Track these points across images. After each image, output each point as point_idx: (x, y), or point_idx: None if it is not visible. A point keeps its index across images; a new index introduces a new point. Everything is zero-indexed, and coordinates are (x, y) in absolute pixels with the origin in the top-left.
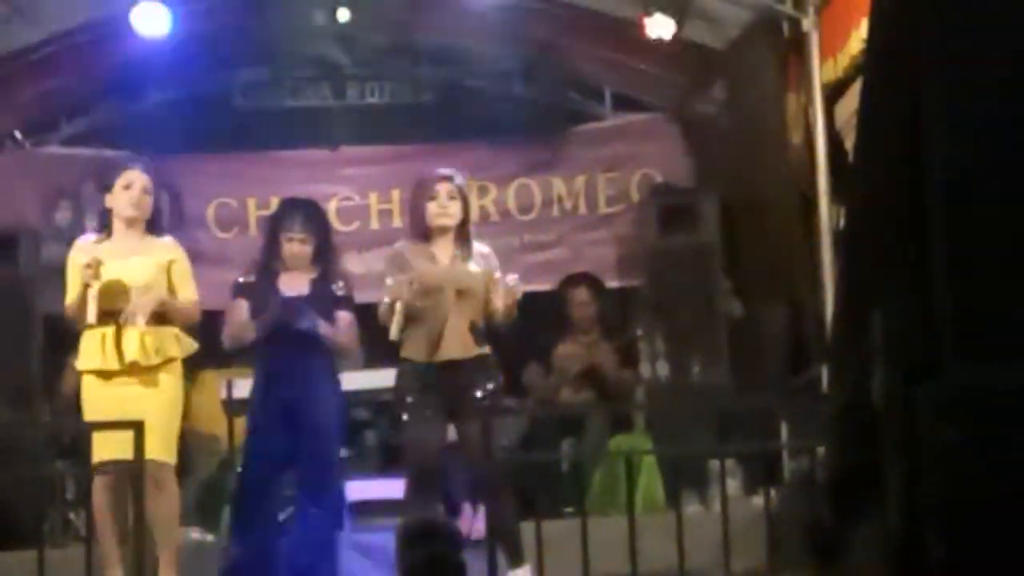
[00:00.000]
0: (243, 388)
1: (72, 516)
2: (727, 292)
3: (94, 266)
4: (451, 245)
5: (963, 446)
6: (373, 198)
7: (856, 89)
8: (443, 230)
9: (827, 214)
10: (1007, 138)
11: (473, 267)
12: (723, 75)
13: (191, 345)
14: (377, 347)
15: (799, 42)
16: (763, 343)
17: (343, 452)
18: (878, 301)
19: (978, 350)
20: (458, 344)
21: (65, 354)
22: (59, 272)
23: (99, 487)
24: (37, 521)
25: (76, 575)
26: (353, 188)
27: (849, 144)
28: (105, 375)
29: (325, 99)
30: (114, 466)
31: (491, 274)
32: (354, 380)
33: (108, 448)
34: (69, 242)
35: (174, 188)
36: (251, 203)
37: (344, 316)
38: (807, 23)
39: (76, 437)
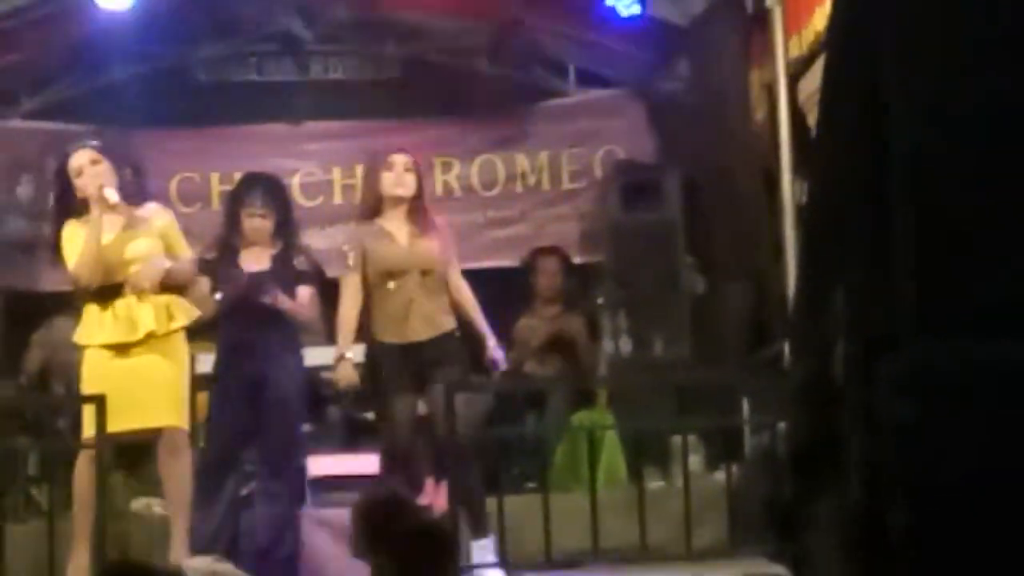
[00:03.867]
0: (206, 363)
1: (35, 492)
2: (690, 268)
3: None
4: (405, 222)
5: (921, 421)
6: (336, 173)
7: (819, 65)
8: (396, 202)
9: (790, 190)
10: (967, 114)
11: (430, 244)
12: (687, 51)
13: (194, 311)
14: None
15: (763, 18)
16: (725, 319)
17: (305, 427)
18: (840, 276)
19: (937, 326)
20: (424, 324)
21: (27, 329)
22: (21, 247)
23: (85, 462)
24: None
25: (38, 551)
26: (316, 163)
27: (812, 120)
28: (114, 347)
29: (288, 74)
30: (118, 438)
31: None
32: (316, 355)
33: (113, 421)
34: (31, 216)
35: (136, 162)
36: (214, 178)
37: (305, 291)
38: None
39: (39, 412)
